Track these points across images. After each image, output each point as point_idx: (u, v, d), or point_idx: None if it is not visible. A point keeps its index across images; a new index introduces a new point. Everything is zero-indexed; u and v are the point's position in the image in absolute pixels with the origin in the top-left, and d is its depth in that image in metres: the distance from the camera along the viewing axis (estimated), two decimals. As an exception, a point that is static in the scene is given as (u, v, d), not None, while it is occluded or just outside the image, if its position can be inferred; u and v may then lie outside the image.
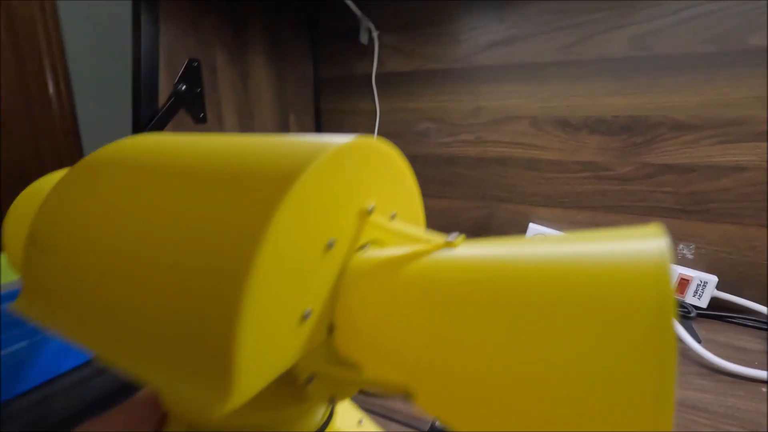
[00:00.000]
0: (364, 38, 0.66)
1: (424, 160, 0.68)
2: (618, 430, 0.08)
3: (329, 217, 0.13)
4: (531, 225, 0.62)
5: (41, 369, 0.30)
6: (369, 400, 0.37)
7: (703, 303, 0.51)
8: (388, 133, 0.70)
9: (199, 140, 0.16)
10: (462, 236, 0.13)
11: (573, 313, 0.09)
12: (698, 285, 0.51)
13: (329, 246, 0.13)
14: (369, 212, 0.14)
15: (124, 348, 0.12)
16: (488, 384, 0.10)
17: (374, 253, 0.14)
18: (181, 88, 0.49)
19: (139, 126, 0.45)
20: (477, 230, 0.67)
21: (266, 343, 0.12)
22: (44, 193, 0.21)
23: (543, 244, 0.11)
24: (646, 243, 0.09)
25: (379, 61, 0.68)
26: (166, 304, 0.12)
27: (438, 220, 0.69)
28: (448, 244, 0.12)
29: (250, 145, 0.14)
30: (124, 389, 0.34)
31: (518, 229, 0.64)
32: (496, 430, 0.11)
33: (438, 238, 0.13)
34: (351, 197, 0.14)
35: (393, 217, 0.17)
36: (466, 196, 0.66)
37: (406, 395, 0.12)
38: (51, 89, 0.85)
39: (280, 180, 0.11)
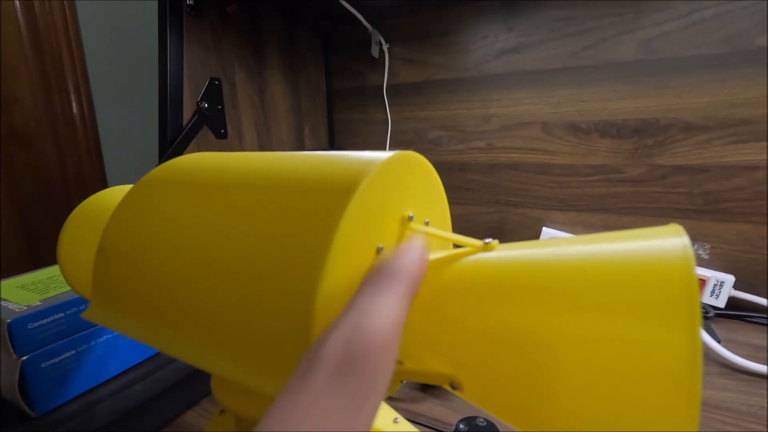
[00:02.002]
0: (375, 51, 0.68)
1: (436, 167, 0.67)
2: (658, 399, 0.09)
3: (378, 225, 0.14)
4: (544, 229, 0.63)
5: (86, 377, 0.32)
6: (393, 404, 0.38)
7: (721, 303, 0.51)
8: (400, 142, 0.71)
9: (248, 158, 0.17)
10: (496, 240, 0.14)
11: (613, 306, 0.10)
12: (715, 285, 0.51)
13: (378, 252, 0.14)
14: (409, 220, 0.15)
15: (199, 343, 0.14)
16: (534, 376, 0.11)
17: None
18: (204, 105, 0.51)
19: (166, 142, 0.47)
20: (491, 235, 0.67)
21: None
22: (96, 211, 0.23)
23: (572, 244, 0.12)
24: (668, 240, 0.11)
25: (390, 72, 0.69)
26: (242, 301, 0.13)
27: (453, 226, 0.70)
28: (487, 247, 0.13)
29: (302, 162, 0.15)
30: (164, 394, 0.35)
31: (532, 233, 0.64)
32: (538, 419, 0.12)
33: (475, 241, 0.14)
34: (395, 206, 0.15)
35: (426, 223, 0.18)
36: (479, 201, 0.67)
37: (452, 385, 0.13)
38: (74, 109, 0.89)
39: (341, 192, 0.13)
